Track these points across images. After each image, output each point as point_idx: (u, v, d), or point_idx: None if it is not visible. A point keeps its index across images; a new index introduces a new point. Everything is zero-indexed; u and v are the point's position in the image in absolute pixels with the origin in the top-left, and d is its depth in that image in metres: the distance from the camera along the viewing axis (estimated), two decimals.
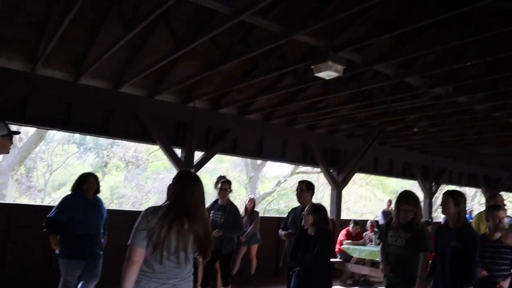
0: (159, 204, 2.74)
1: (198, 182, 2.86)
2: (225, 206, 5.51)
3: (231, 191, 5.64)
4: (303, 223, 4.22)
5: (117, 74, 6.47)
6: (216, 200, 5.68)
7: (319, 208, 4.24)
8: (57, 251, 4.76)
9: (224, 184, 5.60)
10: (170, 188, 2.81)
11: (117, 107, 6.89)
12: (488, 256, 4.34)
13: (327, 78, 5.31)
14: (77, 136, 22.42)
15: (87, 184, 4.90)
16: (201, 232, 2.68)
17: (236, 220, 5.47)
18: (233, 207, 5.53)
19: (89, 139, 23.16)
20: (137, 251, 2.52)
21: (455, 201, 3.73)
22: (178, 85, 6.59)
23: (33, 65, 5.89)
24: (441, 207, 3.93)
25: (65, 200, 4.86)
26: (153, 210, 2.64)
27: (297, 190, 4.98)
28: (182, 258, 2.61)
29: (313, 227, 4.12)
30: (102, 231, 4.99)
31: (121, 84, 6.53)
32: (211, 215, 5.58)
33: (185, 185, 2.80)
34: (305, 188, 4.88)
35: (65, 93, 6.32)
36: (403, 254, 4.02)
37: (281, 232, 5.03)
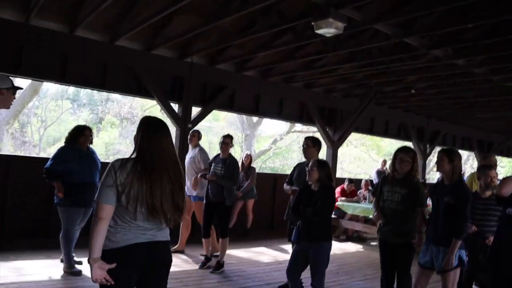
0: (126, 157, 2.51)
1: (165, 130, 2.57)
2: (225, 159, 5.60)
3: (232, 145, 5.74)
4: (307, 178, 4.25)
5: (113, 27, 6.35)
6: (218, 154, 5.76)
7: (324, 163, 4.27)
8: (56, 201, 4.89)
9: (226, 139, 5.69)
10: (135, 138, 2.53)
11: (113, 60, 6.80)
12: (478, 213, 4.49)
13: (327, 35, 5.26)
14: (70, 91, 22.28)
15: (83, 137, 5.03)
16: (173, 185, 2.47)
17: (234, 173, 5.54)
18: (233, 161, 5.63)
19: (83, 95, 23.00)
20: (104, 207, 2.37)
21: (449, 158, 3.80)
22: (174, 40, 6.50)
23: (27, 15, 5.75)
24: (435, 167, 4.01)
25: (61, 151, 5.03)
26: (120, 164, 2.42)
27: (303, 146, 5.07)
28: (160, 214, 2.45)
29: (317, 183, 4.15)
30: (98, 180, 5.08)
31: (117, 37, 6.42)
32: (212, 167, 5.71)
33: (151, 134, 2.52)
34: (311, 144, 4.97)
35: (60, 45, 6.21)
36: (398, 209, 4.11)
37: (286, 187, 5.13)
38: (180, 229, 6.45)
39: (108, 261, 2.37)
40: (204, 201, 5.76)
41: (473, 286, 4.69)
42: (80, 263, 5.11)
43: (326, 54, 6.86)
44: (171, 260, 2.62)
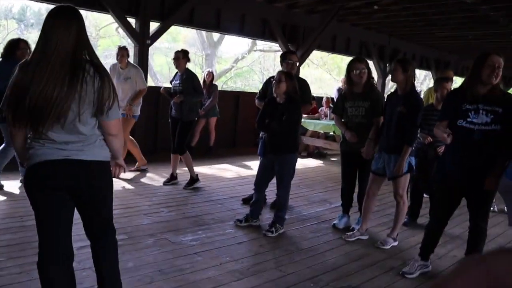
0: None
1: (69, 18, 2.04)
2: (182, 74, 5.47)
3: (187, 60, 5.54)
4: (273, 90, 4.21)
5: None
6: (176, 72, 5.61)
7: (292, 76, 4.23)
8: None
9: (176, 53, 5.51)
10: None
11: None
12: (433, 124, 4.65)
13: None
14: (15, 10, 20.72)
15: (20, 51, 4.75)
16: (89, 88, 2.01)
17: (195, 86, 5.45)
18: (190, 74, 5.50)
19: (30, 14, 21.43)
20: (8, 114, 2.07)
21: (403, 68, 3.85)
22: None
23: None
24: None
25: None
26: (22, 64, 2.07)
27: (288, 62, 4.75)
28: (68, 123, 2.03)
29: (283, 95, 4.12)
30: None
31: None
32: (172, 85, 5.63)
33: (51, 25, 2.02)
34: (297, 60, 4.93)
35: None
36: (363, 122, 4.23)
37: (258, 102, 5.05)
38: (127, 149, 6.24)
39: (26, 178, 2.17)
40: (169, 117, 5.70)
41: (424, 195, 4.98)
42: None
43: None
44: (103, 182, 2.25)
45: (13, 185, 5.14)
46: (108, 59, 20.62)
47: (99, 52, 20.93)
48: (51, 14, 2.05)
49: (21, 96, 1.97)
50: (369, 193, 4.16)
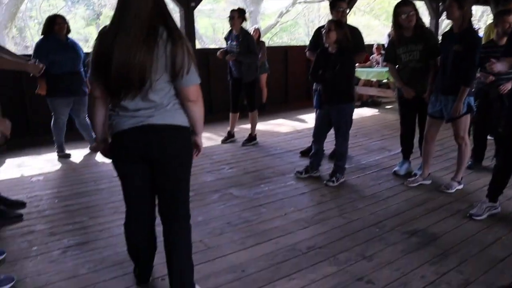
0: None
1: None
2: (238, 35, 5.44)
3: (243, 19, 5.47)
4: (324, 40, 4.12)
5: None
6: (231, 30, 5.59)
7: (342, 24, 4.11)
8: (42, 94, 5.03)
9: (231, 12, 5.44)
10: None
11: None
12: None
13: None
14: None
15: (57, 26, 4.96)
16: (165, 49, 1.94)
17: (250, 47, 5.41)
18: (246, 35, 5.46)
19: None
20: (92, 84, 2.13)
21: (458, 4, 3.62)
22: None
23: None
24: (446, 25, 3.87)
25: (40, 45, 4.96)
26: (103, 29, 2.06)
27: (337, 10, 4.66)
28: (144, 90, 1.98)
29: (334, 45, 4.04)
30: (82, 69, 5.15)
31: None
32: (228, 45, 5.62)
33: None
34: (347, 7, 4.77)
35: None
36: (419, 66, 4.08)
37: (309, 54, 4.91)
38: None
39: (110, 148, 2.21)
40: (229, 77, 5.74)
41: (488, 136, 4.80)
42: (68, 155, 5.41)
43: None
44: (178, 150, 2.15)
45: (82, 153, 5.48)
46: None
47: None
48: None
49: (105, 66, 1.95)
50: (428, 137, 4.06)
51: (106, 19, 20.92)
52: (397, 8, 4.02)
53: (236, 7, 5.61)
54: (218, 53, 5.72)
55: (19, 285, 2.52)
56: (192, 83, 2.04)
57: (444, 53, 3.83)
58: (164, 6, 2.02)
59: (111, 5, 20.41)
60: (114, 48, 1.92)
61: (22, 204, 3.75)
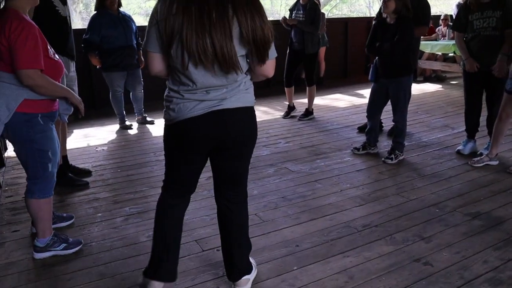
0: None
1: None
2: (305, 5, 5.33)
3: None
4: (382, 9, 3.95)
5: None
6: (297, 1, 5.48)
7: None
8: (98, 67, 5.23)
9: None
10: None
11: None
12: None
13: None
14: None
15: (108, 1, 5.05)
16: (243, 22, 1.68)
17: (314, 18, 5.29)
18: (313, 5, 5.32)
19: None
20: (151, 57, 1.78)
21: None
22: None
23: None
24: None
25: (93, 20, 5.10)
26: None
27: None
28: (219, 63, 1.71)
29: (392, 15, 3.85)
30: (135, 42, 5.25)
31: None
32: (293, 15, 5.51)
33: None
34: None
35: None
36: (494, 35, 3.82)
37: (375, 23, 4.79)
38: None
39: (166, 136, 1.98)
40: (288, 49, 5.66)
41: None
42: (152, 122, 5.73)
43: None
44: (250, 132, 1.96)
45: (141, 125, 5.68)
46: None
47: None
48: None
49: (166, 33, 1.69)
50: (502, 115, 3.80)
51: None
52: None
53: None
54: (282, 19, 5.57)
55: (86, 248, 2.68)
56: (270, 58, 1.83)
57: None
58: None
59: None
60: (184, 20, 1.66)
61: (88, 172, 3.96)
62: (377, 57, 4.08)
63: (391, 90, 4.05)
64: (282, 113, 5.99)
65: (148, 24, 1.75)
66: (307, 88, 5.69)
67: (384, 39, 3.90)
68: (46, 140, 2.40)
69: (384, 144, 4.57)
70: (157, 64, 1.80)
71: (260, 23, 1.72)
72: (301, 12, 5.36)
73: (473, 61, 3.95)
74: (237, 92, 1.83)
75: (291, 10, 5.59)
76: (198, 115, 1.80)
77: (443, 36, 8.42)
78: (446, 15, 8.67)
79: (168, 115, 1.88)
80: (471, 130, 4.32)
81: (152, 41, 1.74)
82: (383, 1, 3.86)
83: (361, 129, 5.07)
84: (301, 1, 5.40)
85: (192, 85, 1.78)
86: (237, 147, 1.94)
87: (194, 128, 1.83)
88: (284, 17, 5.54)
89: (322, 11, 8.36)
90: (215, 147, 1.91)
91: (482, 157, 4.00)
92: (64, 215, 3.05)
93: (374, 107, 4.27)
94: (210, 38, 1.66)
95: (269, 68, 1.86)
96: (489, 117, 4.14)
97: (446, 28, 8.41)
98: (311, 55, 5.45)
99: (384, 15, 3.94)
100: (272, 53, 1.83)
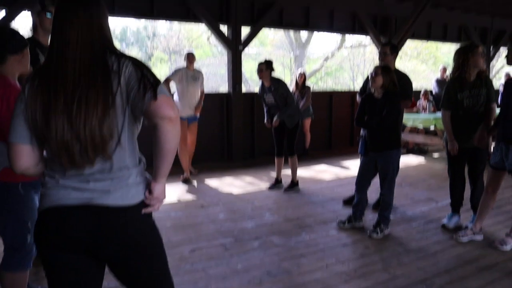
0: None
1: (77, 4, 1.50)
2: (270, 86, 5.46)
3: (270, 70, 5.47)
4: (370, 85, 4.10)
5: None
6: (263, 83, 5.61)
7: (388, 69, 4.07)
8: None
9: (259, 66, 5.46)
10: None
11: None
12: None
13: None
14: (118, 32, 22.50)
15: None
16: (73, 106, 1.43)
17: (287, 98, 5.41)
18: (277, 84, 5.44)
19: (130, 33, 23.18)
20: (16, 149, 1.51)
21: None
22: None
23: None
24: (500, 70, 3.77)
25: None
26: (30, 78, 1.51)
27: (380, 53, 4.78)
28: (88, 151, 1.46)
29: (380, 89, 4.00)
30: None
31: None
32: (265, 99, 5.63)
33: (55, 21, 1.51)
34: (389, 52, 4.70)
35: None
36: (481, 112, 4.00)
37: (359, 99, 4.93)
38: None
39: (35, 227, 1.59)
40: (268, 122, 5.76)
41: None
42: None
43: None
44: (141, 237, 1.56)
45: None
46: (203, 68, 21.66)
47: None
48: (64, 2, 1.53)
49: (28, 122, 1.48)
50: (489, 189, 3.85)
51: (156, 61, 21.94)
52: (472, 50, 3.94)
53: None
54: (266, 123, 5.81)
55: None
56: (161, 93, 1.44)
57: (505, 101, 3.70)
58: (107, 31, 1.59)
59: (162, 47, 21.43)
60: (47, 107, 1.45)
61: None
62: (365, 131, 4.17)
63: (380, 163, 4.11)
64: (268, 184, 5.99)
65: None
66: (288, 158, 5.72)
67: (373, 113, 4.02)
68: (25, 210, 2.34)
69: (370, 217, 4.54)
70: (21, 157, 1.54)
71: (135, 71, 1.49)
72: (270, 94, 5.49)
73: (455, 143, 4.06)
74: (126, 186, 1.52)
75: (261, 95, 5.68)
76: (73, 204, 1.50)
77: (424, 109, 8.70)
78: (426, 90, 9.02)
79: (41, 201, 1.58)
80: (456, 204, 4.34)
81: (15, 130, 1.52)
82: (371, 77, 4.02)
83: (346, 202, 5.06)
84: (265, 84, 5.53)
85: (66, 177, 1.53)
86: (121, 257, 1.56)
87: (63, 219, 1.51)
88: (268, 120, 5.74)
89: (308, 83, 8.66)
90: (91, 250, 1.53)
91: (467, 231, 3.99)
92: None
93: (363, 180, 4.30)
94: (51, 127, 1.47)
95: (162, 105, 1.42)
96: (473, 191, 4.18)
97: (426, 102, 8.72)
98: (293, 128, 5.55)
99: (372, 90, 4.08)
100: (161, 90, 1.45)
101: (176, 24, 20.01)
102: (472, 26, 11.08)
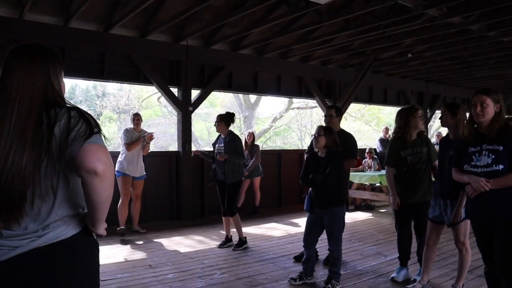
0: None
1: (27, 55, 1.54)
2: (225, 138, 5.58)
3: (227, 122, 5.58)
4: (314, 145, 4.24)
5: (107, 15, 6.35)
6: (219, 135, 5.73)
7: (330, 129, 4.25)
8: None
9: (217, 117, 5.61)
10: None
11: (109, 49, 6.80)
12: None
13: (322, 3, 5.23)
14: (66, 90, 22.20)
15: None
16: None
17: (235, 147, 5.48)
18: (232, 136, 5.56)
19: (79, 92, 22.94)
20: None
21: (452, 113, 3.80)
22: (168, 23, 6.48)
23: (21, 11, 5.74)
24: (436, 132, 4.07)
25: None
26: None
27: (326, 116, 4.97)
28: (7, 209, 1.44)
29: (324, 149, 4.15)
30: None
31: (112, 25, 6.41)
32: (216, 149, 5.69)
33: (9, 66, 1.53)
34: (334, 114, 4.91)
35: (56, 38, 6.18)
36: (423, 169, 4.21)
37: (306, 157, 5.02)
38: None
39: None
40: (214, 180, 5.76)
41: None
42: None
43: (320, 24, 6.82)
44: (75, 271, 1.53)
45: None
46: (150, 129, 21.58)
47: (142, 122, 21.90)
48: (14, 52, 1.58)
49: None
50: (429, 242, 3.98)
51: (105, 120, 21.66)
52: (413, 112, 4.20)
53: (223, 112, 5.82)
54: (194, 151, 5.95)
55: None
56: (89, 142, 1.40)
57: (442, 158, 3.92)
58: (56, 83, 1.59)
59: (111, 107, 21.26)
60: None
61: None
62: (311, 188, 4.26)
63: (326, 219, 4.17)
64: (218, 243, 5.88)
65: None
66: (230, 218, 5.67)
67: (317, 172, 4.13)
68: None
69: (321, 273, 4.53)
70: None
71: (69, 122, 1.49)
72: (222, 145, 5.57)
73: (397, 198, 4.25)
74: (56, 227, 1.51)
75: (213, 144, 5.77)
76: (6, 259, 1.48)
77: (369, 167, 9.03)
78: (370, 149, 9.42)
79: None
80: (404, 258, 4.44)
81: None
82: (314, 137, 4.18)
83: (297, 259, 5.04)
84: (222, 135, 5.65)
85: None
86: None
87: None
88: (197, 150, 5.91)
89: (257, 143, 8.82)
90: None
91: (415, 284, 4.05)
92: None
93: (310, 237, 4.32)
94: (32, 173, 1.47)
95: (89, 155, 1.38)
96: (419, 245, 4.30)
97: (371, 160, 9.07)
98: (233, 184, 5.55)
99: (316, 150, 4.22)
100: (94, 138, 1.44)
101: (126, 84, 20.08)
102: (409, 90, 11.89)
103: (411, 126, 4.20)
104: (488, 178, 2.86)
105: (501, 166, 2.85)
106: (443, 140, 4.06)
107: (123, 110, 21.20)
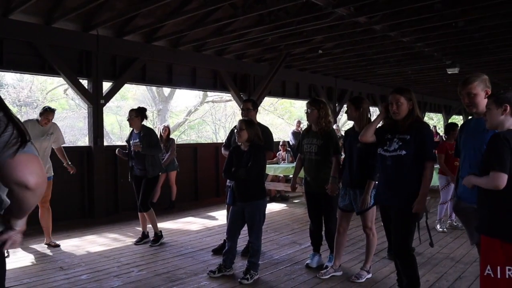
0: None
1: None
2: (140, 132, 5.43)
3: (142, 118, 5.48)
4: (236, 139, 4.29)
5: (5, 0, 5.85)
6: (132, 130, 5.57)
7: (252, 123, 4.31)
8: None
9: (130, 113, 5.47)
10: None
11: (8, 36, 6.26)
12: None
13: None
14: None
15: None
16: None
17: (151, 141, 5.38)
18: (147, 131, 5.46)
19: None
20: None
21: (355, 106, 4.07)
22: (77, 11, 6.13)
23: None
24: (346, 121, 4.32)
25: None
26: None
27: (243, 109, 5.00)
28: None
29: (246, 143, 4.20)
30: None
31: (11, 10, 5.91)
32: (131, 144, 5.52)
33: None
34: (251, 107, 4.96)
35: None
36: (316, 159, 4.40)
37: (224, 151, 4.98)
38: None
39: None
40: (129, 177, 5.61)
41: None
42: None
43: (235, 18, 6.87)
44: None
45: None
46: (59, 122, 20.23)
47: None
48: None
49: None
50: (340, 229, 4.24)
51: None
52: (321, 105, 4.41)
53: (143, 104, 5.67)
54: (117, 151, 5.72)
55: None
56: (22, 152, 1.30)
57: (348, 149, 4.16)
58: None
59: (11, 99, 19.63)
60: None
61: None
62: (232, 182, 4.30)
63: (247, 212, 4.25)
64: (134, 239, 5.72)
65: None
66: (144, 214, 5.55)
67: (239, 165, 4.18)
68: None
69: (239, 264, 4.60)
70: None
71: None
72: (138, 140, 5.43)
73: (295, 183, 4.82)
74: None
75: (128, 141, 5.63)
76: None
77: (283, 159, 9.30)
78: (284, 141, 9.70)
79: None
80: (316, 244, 4.67)
81: None
82: (237, 131, 4.22)
83: (216, 251, 5.07)
84: (135, 130, 5.52)
85: None
86: None
87: None
88: (119, 149, 5.70)
89: (172, 136, 8.69)
90: None
91: (327, 269, 4.29)
92: None
93: (233, 229, 4.37)
94: None
95: (19, 165, 1.28)
96: (326, 231, 4.55)
97: (285, 152, 9.35)
98: (151, 179, 5.48)
99: (239, 143, 4.27)
100: (27, 148, 1.34)
101: (28, 75, 18.68)
102: (320, 85, 12.42)
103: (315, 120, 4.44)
104: (393, 161, 3.25)
105: (403, 152, 3.22)
106: (349, 132, 4.32)
107: (24, 103, 19.70)
